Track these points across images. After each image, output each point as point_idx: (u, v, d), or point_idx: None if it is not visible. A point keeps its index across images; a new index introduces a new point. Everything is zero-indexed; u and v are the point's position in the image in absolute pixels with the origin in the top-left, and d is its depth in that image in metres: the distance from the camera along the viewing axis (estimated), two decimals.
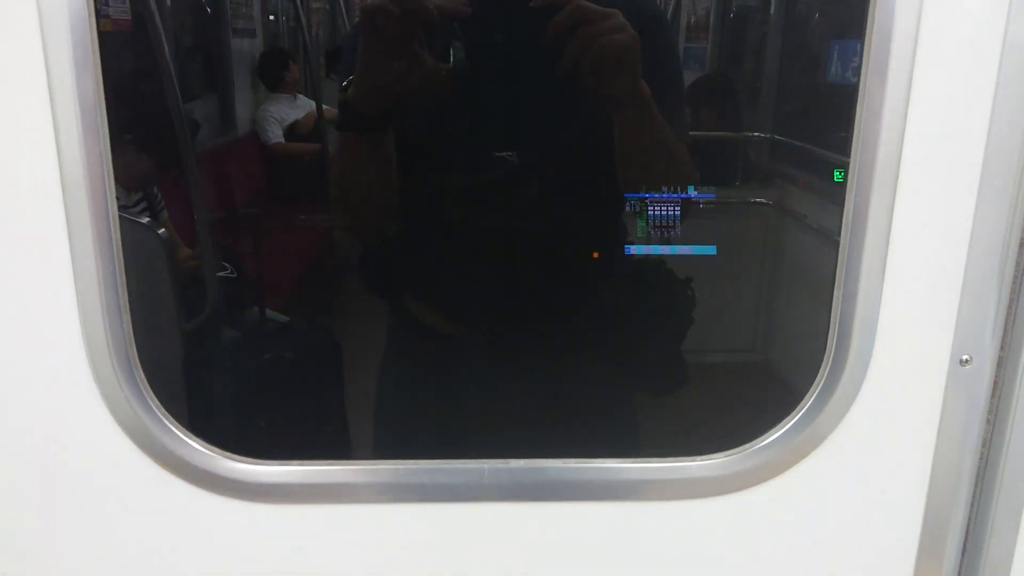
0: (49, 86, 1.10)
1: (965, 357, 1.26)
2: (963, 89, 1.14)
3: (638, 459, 1.34)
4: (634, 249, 1.45)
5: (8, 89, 1.10)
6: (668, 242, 1.44)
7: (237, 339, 1.79)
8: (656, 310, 1.57)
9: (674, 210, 1.42)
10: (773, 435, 1.31)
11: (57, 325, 1.20)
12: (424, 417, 1.65)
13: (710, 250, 1.46)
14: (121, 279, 1.20)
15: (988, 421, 1.33)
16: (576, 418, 1.61)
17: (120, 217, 1.20)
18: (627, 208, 1.43)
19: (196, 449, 1.28)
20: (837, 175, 1.24)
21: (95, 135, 1.13)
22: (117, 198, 1.75)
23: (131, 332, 1.23)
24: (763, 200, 1.80)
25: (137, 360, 1.24)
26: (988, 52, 1.12)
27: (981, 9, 1.10)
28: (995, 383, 1.30)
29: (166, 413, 1.27)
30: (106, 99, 1.14)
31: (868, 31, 1.13)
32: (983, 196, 1.18)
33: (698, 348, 1.62)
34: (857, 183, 1.18)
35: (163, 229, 1.67)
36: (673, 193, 1.41)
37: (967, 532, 1.39)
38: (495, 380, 1.61)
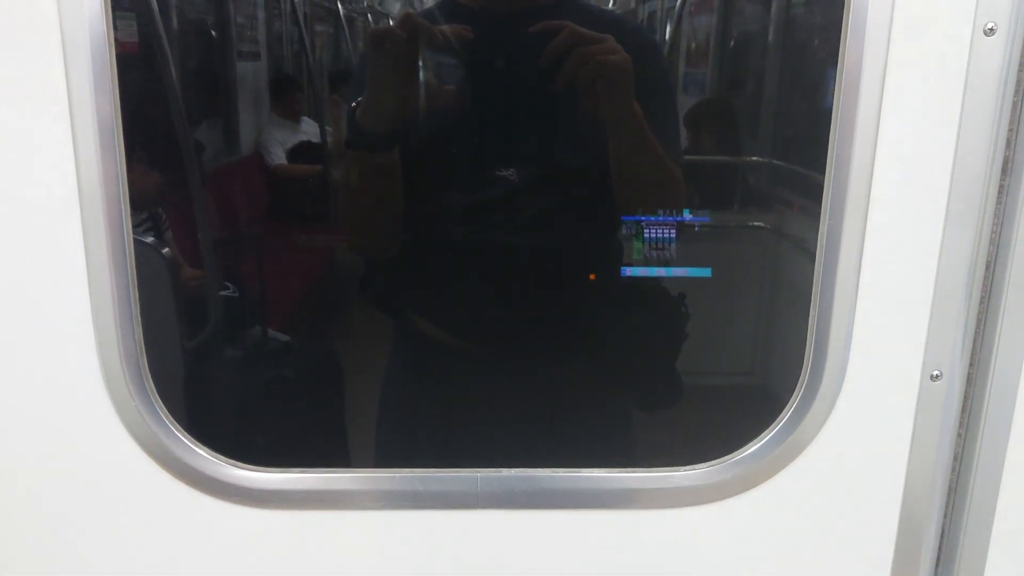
0: (69, 106, 1.16)
1: (936, 372, 1.32)
2: (930, 116, 1.21)
3: (625, 469, 1.39)
4: (630, 271, 1.50)
5: (29, 108, 1.17)
6: (665, 264, 1.49)
7: (238, 358, 1.83)
8: (650, 326, 1.62)
9: (670, 232, 1.47)
10: (754, 446, 1.37)
11: (71, 336, 1.26)
12: (425, 428, 1.70)
13: (705, 272, 1.52)
14: (134, 293, 1.26)
15: (959, 435, 1.39)
16: (572, 430, 1.66)
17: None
18: (624, 231, 1.48)
19: (203, 456, 1.34)
20: None
21: (112, 154, 1.19)
22: None
23: (143, 344, 1.28)
24: (761, 224, 1.84)
25: (148, 371, 1.30)
26: (953, 82, 1.19)
27: (946, 42, 1.17)
28: (965, 398, 1.37)
29: (174, 422, 1.33)
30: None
31: (840, 62, 1.19)
32: (951, 218, 1.24)
33: (698, 370, 1.67)
34: (831, 206, 1.25)
35: (167, 248, 1.71)
36: (669, 216, 1.47)
37: (941, 540, 1.45)
38: (494, 392, 1.66)
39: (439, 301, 1.65)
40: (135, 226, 1.77)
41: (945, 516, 1.43)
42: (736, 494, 1.39)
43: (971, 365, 1.35)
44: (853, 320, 1.29)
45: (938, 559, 1.45)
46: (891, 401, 1.34)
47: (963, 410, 1.37)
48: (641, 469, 1.39)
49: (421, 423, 1.70)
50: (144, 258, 1.54)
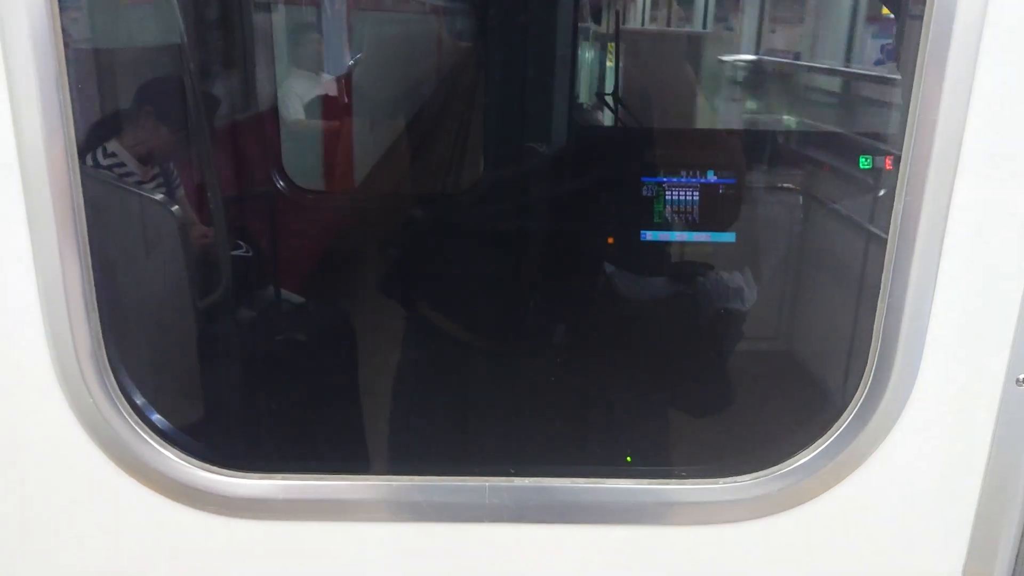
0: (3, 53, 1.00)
1: (1023, 376, 1.16)
2: None
3: (655, 480, 1.26)
4: (650, 235, 1.39)
5: None
6: (691, 227, 1.39)
7: (221, 345, 1.77)
8: (703, 322, 1.49)
9: (693, 195, 1.37)
10: (805, 457, 1.22)
11: (19, 326, 1.12)
12: (439, 427, 1.60)
13: (729, 237, 1.42)
14: (88, 276, 1.11)
15: None
16: (609, 434, 1.54)
17: (134, 193, 1.12)
18: (645, 193, 1.37)
19: (170, 459, 1.20)
20: (863, 161, 1.21)
21: (58, 119, 1.03)
22: (133, 172, 1.73)
23: (99, 332, 1.14)
24: (790, 186, 1.76)
25: (107, 362, 1.16)
26: None
27: None
28: None
29: (138, 420, 1.19)
30: (122, 73, 1.05)
31: (927, 16, 1.02)
32: None
33: None
34: (908, 182, 1.08)
35: (177, 206, 1.63)
36: (692, 178, 1.36)
37: (1015, 565, 1.29)
38: (511, 390, 1.56)
39: (455, 296, 1.57)
40: (146, 182, 1.70)
41: (1022, 539, 1.26)
42: (783, 511, 1.24)
43: None
44: (929, 314, 1.13)
45: None
46: (968, 408, 1.19)
47: None
48: (674, 481, 1.25)
49: (434, 423, 1.60)
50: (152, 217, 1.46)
